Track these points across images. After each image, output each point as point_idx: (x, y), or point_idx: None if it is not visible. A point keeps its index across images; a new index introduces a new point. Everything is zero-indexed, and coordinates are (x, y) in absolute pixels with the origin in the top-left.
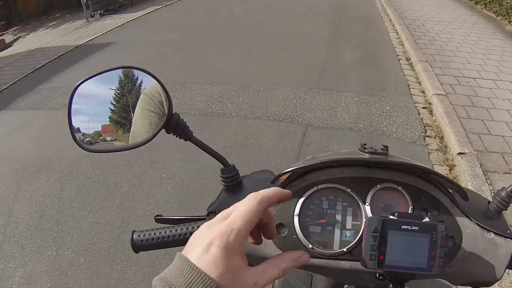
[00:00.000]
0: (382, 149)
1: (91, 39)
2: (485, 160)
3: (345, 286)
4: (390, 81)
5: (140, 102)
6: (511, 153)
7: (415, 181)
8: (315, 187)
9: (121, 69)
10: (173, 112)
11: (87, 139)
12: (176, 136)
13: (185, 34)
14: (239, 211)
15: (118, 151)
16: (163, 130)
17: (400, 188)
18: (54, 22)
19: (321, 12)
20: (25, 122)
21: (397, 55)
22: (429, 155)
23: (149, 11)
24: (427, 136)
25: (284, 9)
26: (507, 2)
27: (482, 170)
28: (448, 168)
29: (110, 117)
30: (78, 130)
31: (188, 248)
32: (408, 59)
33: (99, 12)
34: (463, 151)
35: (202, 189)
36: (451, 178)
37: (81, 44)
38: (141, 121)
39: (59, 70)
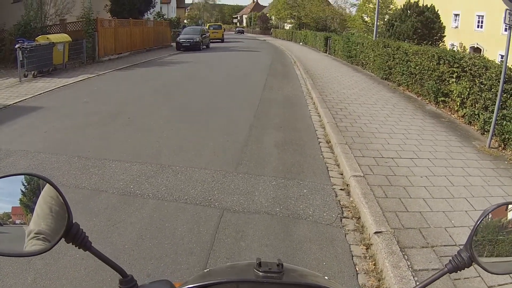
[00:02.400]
0: (278, 265)
1: (21, 100)
2: (403, 236)
3: None
4: (309, 164)
5: (38, 208)
6: (428, 228)
7: None
8: None
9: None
10: (73, 222)
11: None
12: (76, 246)
13: (112, 106)
14: None
15: (9, 256)
16: (63, 239)
17: None
18: None
19: (247, 94)
20: None
21: (318, 138)
22: (345, 236)
23: (81, 78)
24: (344, 217)
25: (215, 88)
26: (428, 83)
27: (399, 247)
28: (365, 247)
29: (21, 200)
30: None
31: None
32: (328, 142)
33: (32, 72)
34: (379, 230)
35: (115, 274)
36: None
37: (10, 105)
38: (39, 228)
39: None
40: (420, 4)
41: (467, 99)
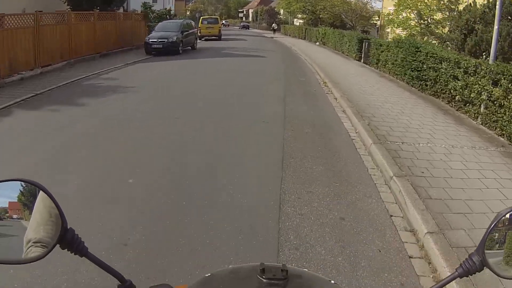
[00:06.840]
0: (282, 270)
1: None
2: None
3: None
4: None
5: (37, 214)
6: None
7: None
8: None
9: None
10: (68, 227)
11: None
12: (71, 252)
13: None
14: None
15: (7, 264)
16: (57, 246)
17: None
18: None
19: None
20: None
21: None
22: None
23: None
24: None
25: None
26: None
27: None
28: None
29: (18, 196)
30: None
31: None
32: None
33: None
34: None
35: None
36: None
37: None
38: (34, 234)
39: None
40: None
41: None
